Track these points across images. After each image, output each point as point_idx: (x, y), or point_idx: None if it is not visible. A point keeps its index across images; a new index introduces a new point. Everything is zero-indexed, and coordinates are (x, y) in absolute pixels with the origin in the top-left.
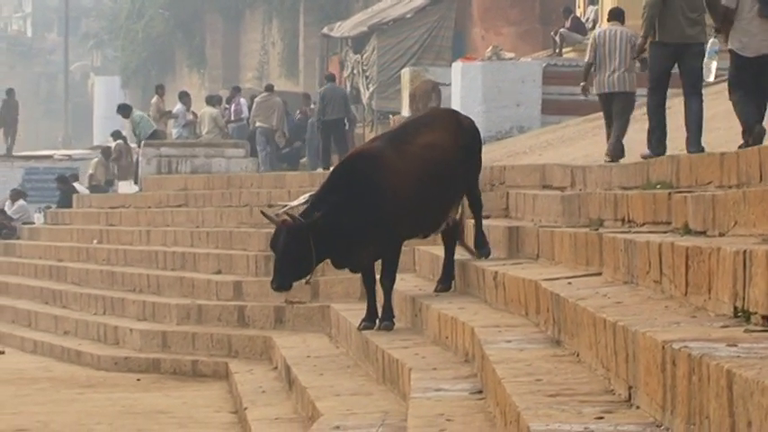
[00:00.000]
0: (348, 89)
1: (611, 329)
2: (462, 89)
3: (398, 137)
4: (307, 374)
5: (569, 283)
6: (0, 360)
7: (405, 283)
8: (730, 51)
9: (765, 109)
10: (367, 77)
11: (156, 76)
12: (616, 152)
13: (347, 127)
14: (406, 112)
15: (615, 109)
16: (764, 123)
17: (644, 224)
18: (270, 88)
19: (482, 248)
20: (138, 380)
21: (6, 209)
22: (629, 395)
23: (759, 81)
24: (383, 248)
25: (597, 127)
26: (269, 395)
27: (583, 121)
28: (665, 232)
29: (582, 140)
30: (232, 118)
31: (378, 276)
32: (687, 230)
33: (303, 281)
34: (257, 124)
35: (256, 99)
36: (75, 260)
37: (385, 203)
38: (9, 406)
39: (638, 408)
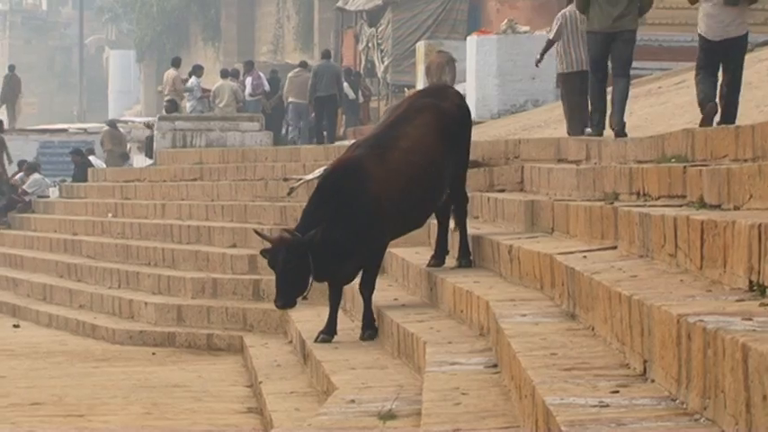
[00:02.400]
0: (363, 63)
1: (626, 303)
2: (477, 63)
3: (380, 142)
4: (321, 348)
5: (584, 256)
6: (15, 334)
7: (419, 256)
8: (699, 34)
9: (733, 89)
10: (382, 51)
11: (170, 49)
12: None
13: (339, 104)
14: (420, 85)
15: (582, 87)
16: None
17: (659, 198)
18: (303, 64)
19: (464, 258)
20: (153, 354)
21: (21, 182)
22: (645, 369)
23: (725, 64)
24: (368, 258)
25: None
26: (284, 369)
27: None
28: (680, 206)
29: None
30: (249, 91)
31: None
32: (702, 204)
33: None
34: (290, 100)
35: (289, 75)
36: (90, 234)
37: (372, 215)
38: (24, 380)
39: (653, 381)
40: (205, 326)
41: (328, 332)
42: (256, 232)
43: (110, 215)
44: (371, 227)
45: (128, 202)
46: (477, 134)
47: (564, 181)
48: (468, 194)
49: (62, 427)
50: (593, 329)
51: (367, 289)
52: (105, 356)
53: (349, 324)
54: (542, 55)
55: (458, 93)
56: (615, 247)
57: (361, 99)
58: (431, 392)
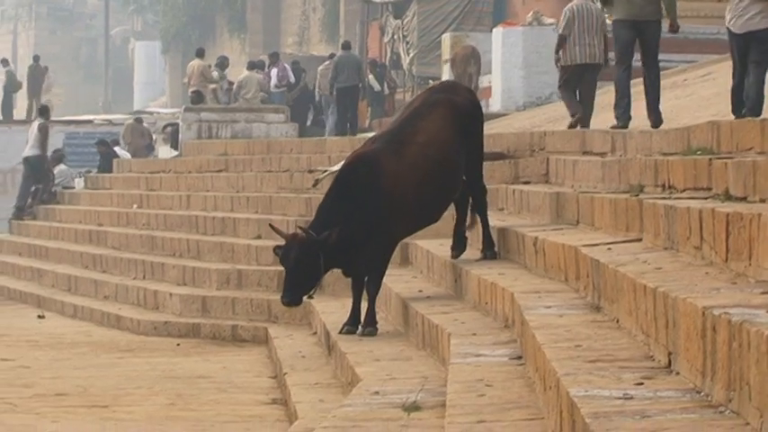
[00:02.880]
0: (388, 54)
1: (651, 295)
2: (503, 55)
3: (397, 137)
4: (346, 340)
5: (609, 248)
6: (40, 324)
7: (443, 248)
8: (727, 27)
9: (756, 81)
10: (407, 43)
11: (196, 41)
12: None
13: (360, 95)
14: (446, 77)
15: (588, 79)
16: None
17: (684, 190)
18: (333, 57)
19: (488, 249)
20: (178, 345)
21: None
22: (669, 361)
23: (748, 56)
24: (376, 254)
25: (637, 93)
26: (308, 360)
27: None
28: (705, 198)
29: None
30: (274, 82)
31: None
32: (728, 196)
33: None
34: (324, 93)
35: (319, 68)
36: (115, 225)
37: (385, 209)
38: (49, 370)
39: (677, 374)
40: (230, 317)
41: (352, 323)
42: (272, 227)
43: (135, 206)
44: (382, 222)
45: (153, 194)
46: (502, 126)
47: (589, 173)
48: (494, 187)
49: (86, 417)
50: (617, 321)
51: (373, 286)
52: (130, 347)
53: None
54: (558, 51)
55: (468, 88)
56: (640, 240)
57: (386, 91)
58: (455, 384)
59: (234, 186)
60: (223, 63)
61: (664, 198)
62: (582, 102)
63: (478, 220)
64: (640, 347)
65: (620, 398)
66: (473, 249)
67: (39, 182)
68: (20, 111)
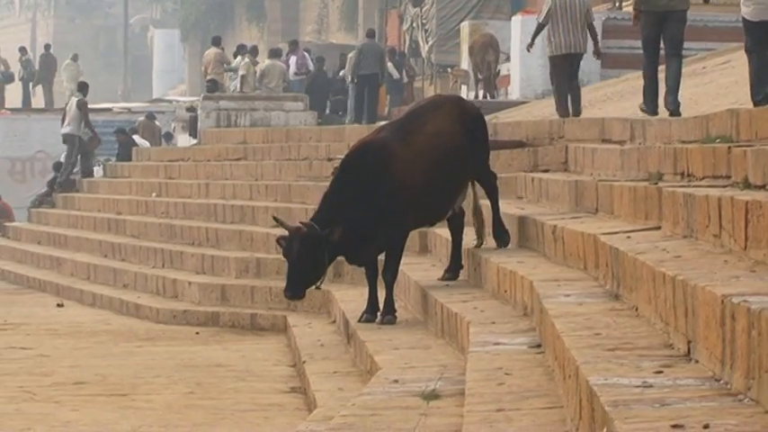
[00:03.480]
0: (407, 42)
1: (670, 283)
2: (522, 43)
3: (404, 126)
4: (365, 328)
5: (628, 237)
6: (59, 313)
7: (465, 235)
8: (742, 17)
9: None
10: (426, 31)
11: (215, 29)
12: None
13: (380, 83)
14: (465, 65)
15: (571, 68)
16: None
17: (703, 178)
18: (415, 45)
19: (501, 237)
20: (197, 333)
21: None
22: (689, 349)
23: (762, 44)
24: (389, 242)
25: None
26: (327, 349)
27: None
28: (724, 186)
29: (641, 94)
30: (293, 70)
31: (381, 270)
32: (747, 184)
33: (314, 287)
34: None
35: (350, 56)
36: (134, 213)
37: (394, 196)
38: (68, 359)
39: (697, 362)
40: (249, 305)
41: (371, 312)
42: (275, 219)
43: (154, 194)
44: (394, 208)
45: (172, 182)
46: (521, 114)
47: (608, 161)
48: (513, 175)
49: (105, 406)
50: (636, 310)
51: (390, 274)
52: (149, 336)
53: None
54: (533, 39)
55: (473, 103)
56: (659, 228)
57: (405, 79)
58: (474, 372)
59: (253, 175)
60: (241, 51)
61: (683, 186)
62: (569, 91)
63: (484, 210)
64: (659, 336)
65: (639, 386)
66: (488, 238)
67: (71, 159)
68: (38, 100)
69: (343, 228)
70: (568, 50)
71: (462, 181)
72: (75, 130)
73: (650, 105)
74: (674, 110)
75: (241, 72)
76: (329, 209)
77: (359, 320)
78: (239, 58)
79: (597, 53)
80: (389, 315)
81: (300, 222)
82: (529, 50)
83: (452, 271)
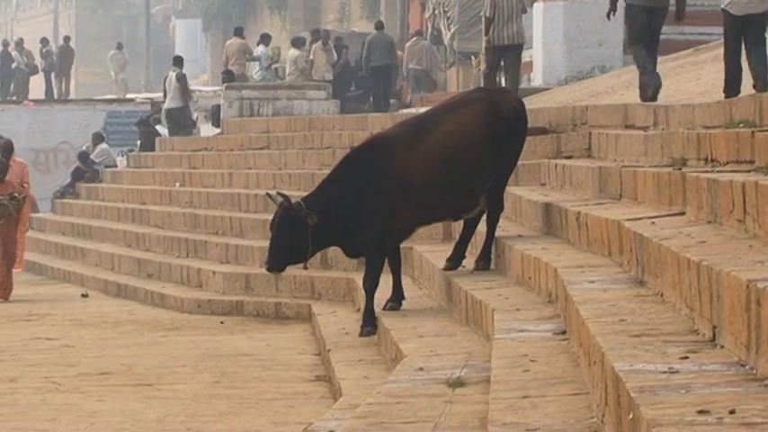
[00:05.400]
0: (429, 30)
1: (694, 269)
2: (544, 29)
3: (421, 123)
4: (390, 316)
5: (652, 222)
6: (84, 303)
7: (484, 224)
8: (722, 9)
9: (758, 61)
10: (448, 18)
11: (237, 18)
12: None
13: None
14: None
15: (508, 61)
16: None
17: (727, 163)
18: (419, 33)
19: (483, 260)
20: (222, 322)
21: (88, 152)
22: (714, 335)
23: (747, 39)
24: (370, 245)
25: (679, 66)
26: (352, 337)
27: (665, 60)
28: (748, 171)
29: (664, 80)
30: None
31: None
32: None
33: (301, 266)
34: (410, 66)
35: (407, 44)
36: (157, 203)
37: (386, 195)
38: (93, 349)
39: (722, 347)
40: (273, 294)
41: (396, 299)
42: (268, 195)
43: (177, 184)
44: (383, 208)
45: (195, 172)
46: (544, 101)
47: (631, 147)
48: (536, 162)
49: (131, 396)
50: (661, 296)
51: (368, 282)
52: (174, 326)
53: (417, 292)
54: (486, 33)
55: (519, 99)
56: (683, 213)
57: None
58: (499, 359)
59: (276, 164)
60: (264, 40)
61: (706, 171)
62: (509, 81)
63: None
64: (684, 321)
65: (664, 372)
66: (467, 258)
67: (178, 133)
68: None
69: (320, 216)
70: (507, 42)
71: (479, 185)
72: (180, 104)
73: (653, 83)
74: (654, 89)
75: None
76: (322, 195)
77: (384, 308)
78: (262, 47)
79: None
80: (369, 326)
81: (278, 193)
82: (488, 44)
83: (453, 261)
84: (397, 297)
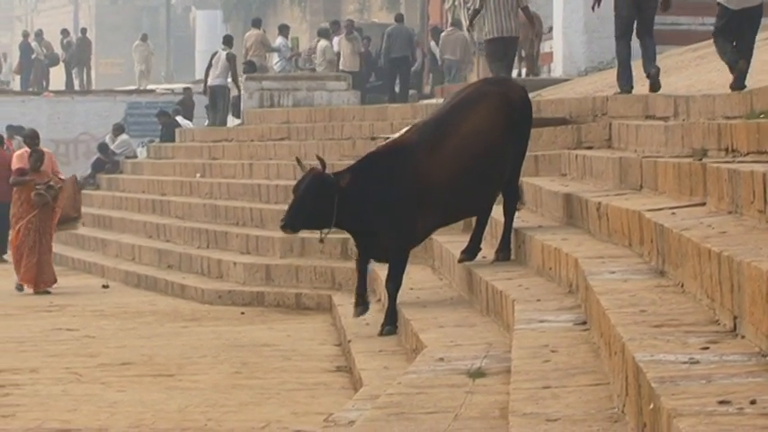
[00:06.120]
0: (449, 21)
1: (715, 259)
2: (564, 20)
3: (440, 126)
4: (410, 306)
5: (673, 213)
6: (105, 294)
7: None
8: (718, 3)
9: (750, 54)
10: (468, 9)
11: (257, 9)
12: None
13: (412, 66)
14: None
15: (508, 53)
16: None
17: (748, 154)
18: (457, 23)
19: (503, 251)
20: (242, 313)
21: (108, 143)
22: (735, 325)
23: (742, 33)
24: (393, 248)
25: (700, 57)
26: (373, 327)
27: (685, 50)
28: None
29: (685, 70)
30: (336, 50)
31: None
32: None
33: (318, 235)
34: (445, 56)
35: (442, 34)
36: (178, 194)
37: (403, 203)
38: (114, 340)
39: (743, 338)
40: (294, 285)
41: (390, 323)
42: (297, 160)
43: (198, 175)
44: (400, 213)
45: (215, 162)
46: (564, 91)
47: (652, 137)
48: (556, 152)
49: (151, 386)
50: (682, 286)
51: (391, 283)
52: (194, 316)
53: (437, 282)
54: (471, 23)
55: (521, 86)
56: (704, 204)
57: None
58: (520, 350)
59: (296, 154)
60: (283, 31)
61: (727, 162)
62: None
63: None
64: (705, 312)
65: (685, 362)
66: (488, 249)
67: (216, 115)
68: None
69: (351, 177)
70: (501, 34)
71: (497, 183)
72: (224, 82)
73: (626, 87)
74: (654, 74)
75: (319, 57)
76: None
77: (379, 334)
78: (281, 38)
79: (537, 35)
80: (390, 326)
81: (317, 156)
82: (469, 32)
83: (468, 253)
84: (391, 321)
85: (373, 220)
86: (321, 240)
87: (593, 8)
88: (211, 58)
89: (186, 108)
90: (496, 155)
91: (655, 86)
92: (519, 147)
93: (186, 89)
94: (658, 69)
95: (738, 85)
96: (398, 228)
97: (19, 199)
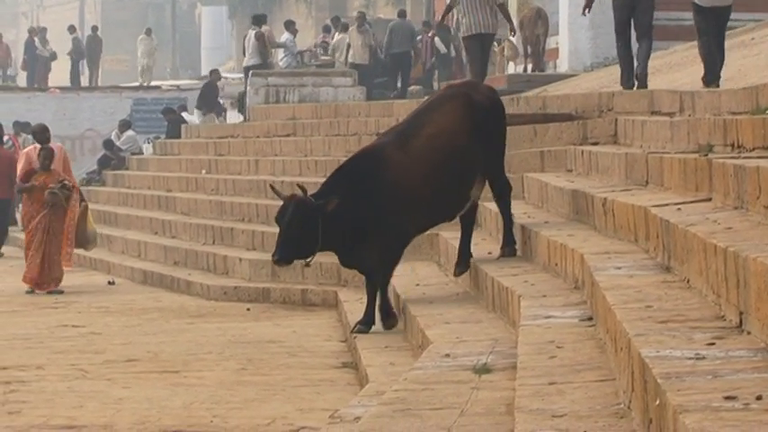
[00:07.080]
0: (455, 17)
1: (721, 255)
2: (570, 16)
3: (406, 130)
4: (416, 303)
5: (679, 209)
6: (110, 290)
7: (514, 210)
8: (692, 1)
9: (722, 53)
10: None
11: (262, 5)
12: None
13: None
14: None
15: (484, 49)
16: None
17: (754, 149)
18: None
19: (507, 246)
20: (248, 309)
21: (114, 139)
22: (740, 321)
23: (717, 30)
24: (383, 251)
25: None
26: (378, 323)
27: (691, 46)
28: None
29: (690, 66)
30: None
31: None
32: None
33: (303, 262)
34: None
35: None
36: (183, 190)
37: (388, 204)
38: (119, 336)
39: (749, 333)
40: (299, 281)
41: (366, 323)
42: (272, 188)
43: (203, 171)
44: (386, 216)
45: (221, 159)
46: (569, 87)
47: (658, 133)
48: (562, 148)
49: (157, 383)
50: (688, 282)
51: (383, 278)
52: (200, 313)
53: (443, 278)
54: (443, 18)
55: (489, 87)
56: (710, 199)
57: (453, 53)
58: (526, 346)
59: (302, 150)
60: (289, 27)
61: (733, 157)
62: (473, 70)
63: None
64: (711, 307)
65: (691, 358)
66: (494, 244)
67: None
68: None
69: (338, 201)
70: (477, 31)
71: (470, 177)
72: (257, 61)
73: (625, 85)
74: (642, 79)
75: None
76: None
77: (351, 332)
78: (286, 34)
79: (512, 31)
80: (390, 319)
81: (297, 185)
82: (440, 26)
83: (460, 267)
84: (367, 321)
85: (361, 231)
86: (307, 264)
87: (583, 13)
88: (244, 40)
89: (207, 94)
90: (464, 153)
91: (641, 88)
92: (491, 146)
93: (213, 71)
94: (646, 74)
95: (710, 79)
96: (389, 228)
97: (30, 198)
